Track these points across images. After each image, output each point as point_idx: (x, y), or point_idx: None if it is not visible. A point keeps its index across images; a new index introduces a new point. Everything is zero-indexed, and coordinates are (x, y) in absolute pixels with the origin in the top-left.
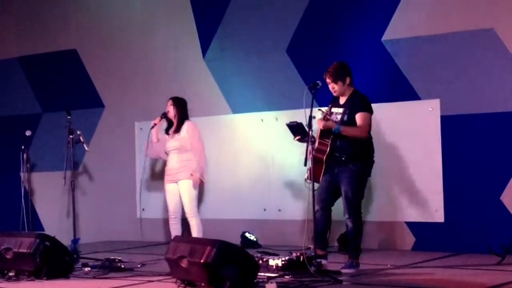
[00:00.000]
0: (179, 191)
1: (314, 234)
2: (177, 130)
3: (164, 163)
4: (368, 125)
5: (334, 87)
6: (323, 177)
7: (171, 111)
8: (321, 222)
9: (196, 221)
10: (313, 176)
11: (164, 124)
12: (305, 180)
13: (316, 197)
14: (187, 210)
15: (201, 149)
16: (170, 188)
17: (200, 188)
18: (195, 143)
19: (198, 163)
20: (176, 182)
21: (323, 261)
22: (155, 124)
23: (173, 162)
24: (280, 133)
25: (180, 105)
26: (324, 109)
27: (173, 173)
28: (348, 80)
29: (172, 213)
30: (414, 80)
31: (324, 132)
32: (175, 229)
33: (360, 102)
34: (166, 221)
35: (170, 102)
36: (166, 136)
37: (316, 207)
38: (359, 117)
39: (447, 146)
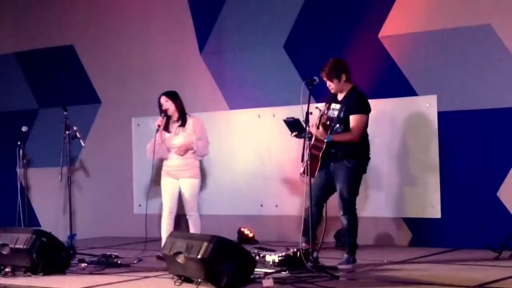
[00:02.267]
0: (178, 188)
1: (304, 228)
2: (182, 125)
3: (160, 160)
4: (361, 127)
5: (330, 85)
6: (318, 173)
7: (170, 107)
8: (312, 218)
9: (196, 219)
10: (309, 171)
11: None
12: (300, 174)
13: (309, 193)
14: (188, 207)
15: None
16: (168, 183)
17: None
18: (204, 139)
19: (203, 145)
20: (177, 179)
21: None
22: (159, 126)
23: (175, 160)
24: (277, 129)
25: (176, 98)
26: (321, 105)
27: (174, 169)
28: (344, 77)
29: (168, 209)
30: (411, 76)
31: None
32: (169, 225)
33: (356, 102)
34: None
35: (165, 98)
36: (167, 133)
37: (308, 203)
38: (352, 120)
39: (444, 142)
